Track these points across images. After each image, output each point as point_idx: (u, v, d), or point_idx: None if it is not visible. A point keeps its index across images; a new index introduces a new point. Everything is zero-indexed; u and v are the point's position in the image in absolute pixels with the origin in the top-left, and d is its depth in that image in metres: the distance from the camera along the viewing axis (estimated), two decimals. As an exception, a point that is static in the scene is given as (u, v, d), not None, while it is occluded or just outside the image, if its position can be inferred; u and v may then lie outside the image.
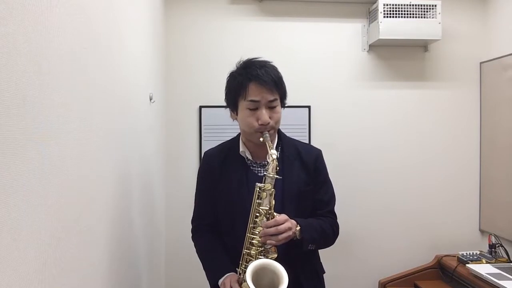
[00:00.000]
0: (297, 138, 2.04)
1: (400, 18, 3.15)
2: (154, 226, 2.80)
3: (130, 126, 2.08)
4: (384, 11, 3.14)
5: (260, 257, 1.67)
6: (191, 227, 2.08)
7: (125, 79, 1.97)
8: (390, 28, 3.15)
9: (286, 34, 3.35)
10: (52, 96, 1.10)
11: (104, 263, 1.61)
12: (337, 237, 1.94)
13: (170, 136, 3.28)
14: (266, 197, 1.68)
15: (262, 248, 1.69)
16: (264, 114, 1.73)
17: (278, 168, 1.69)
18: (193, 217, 2.07)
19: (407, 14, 3.15)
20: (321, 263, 1.99)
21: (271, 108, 1.76)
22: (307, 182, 1.86)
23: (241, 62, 1.85)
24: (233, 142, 1.95)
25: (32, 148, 1.00)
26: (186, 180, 3.27)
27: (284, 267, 1.61)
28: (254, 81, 1.74)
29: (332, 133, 3.30)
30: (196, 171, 3.22)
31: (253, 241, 1.69)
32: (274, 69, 1.80)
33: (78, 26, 1.31)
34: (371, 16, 3.31)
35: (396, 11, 3.15)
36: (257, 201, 1.70)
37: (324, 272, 1.99)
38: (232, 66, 3.27)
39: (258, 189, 1.69)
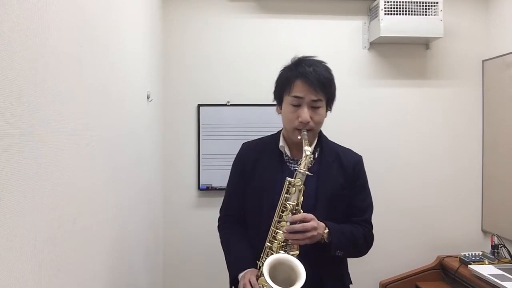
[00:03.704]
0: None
1: (402, 16, 3.12)
2: (151, 226, 2.80)
3: (127, 124, 2.07)
4: (385, 8, 3.11)
5: (280, 251, 1.66)
6: (216, 218, 2.09)
7: (123, 77, 1.97)
8: (391, 26, 3.12)
9: (286, 32, 3.32)
10: (48, 94, 1.11)
11: (101, 263, 1.61)
12: (370, 247, 1.91)
13: (168, 135, 3.25)
14: (294, 192, 1.67)
15: (285, 243, 1.67)
16: (305, 112, 1.72)
17: (310, 165, 1.68)
18: (221, 207, 2.07)
19: (409, 11, 3.13)
20: (348, 273, 1.95)
21: (314, 108, 1.75)
22: (343, 185, 1.82)
23: (296, 58, 1.84)
24: (273, 137, 1.95)
25: (28, 147, 1.00)
26: (184, 179, 3.26)
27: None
28: (300, 78, 1.74)
29: (332, 132, 3.22)
30: (194, 170, 3.26)
31: (276, 235, 1.69)
32: (325, 70, 1.78)
33: (75, 24, 1.32)
34: (372, 13, 3.28)
35: (397, 8, 3.12)
36: (285, 195, 1.69)
37: (351, 283, 1.93)
38: (230, 64, 3.27)
39: (287, 183, 1.69)
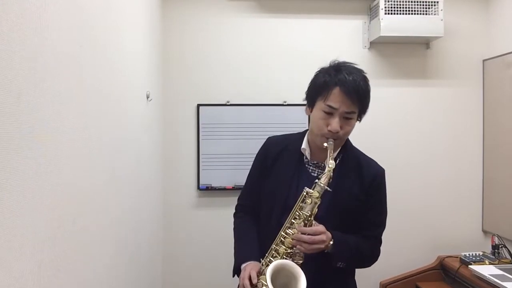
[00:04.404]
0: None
1: (402, 15, 3.11)
2: (151, 226, 2.79)
3: (127, 124, 2.07)
4: (385, 7, 3.10)
5: (286, 257, 1.67)
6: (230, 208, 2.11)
7: (122, 77, 1.96)
8: (392, 25, 3.11)
9: (285, 32, 3.31)
10: (48, 94, 1.11)
11: (100, 263, 1.61)
12: (375, 261, 1.88)
13: (168, 135, 3.24)
14: (310, 203, 1.65)
15: (291, 250, 1.67)
16: (336, 122, 1.67)
17: (331, 180, 1.65)
18: (239, 195, 2.08)
19: (409, 10, 3.12)
20: (355, 281, 1.94)
21: (346, 118, 1.70)
22: (358, 197, 1.78)
23: (335, 61, 1.78)
24: (298, 137, 1.91)
25: (27, 147, 1.00)
26: (184, 178, 3.26)
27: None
28: (339, 87, 1.67)
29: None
30: (194, 170, 3.26)
31: (284, 240, 1.68)
32: (363, 81, 1.72)
33: (74, 24, 1.32)
34: (372, 12, 3.27)
35: (397, 7, 3.11)
36: (300, 204, 1.67)
37: None
38: (230, 64, 3.26)
39: (305, 193, 1.67)
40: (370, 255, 1.85)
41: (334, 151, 1.73)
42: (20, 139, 0.95)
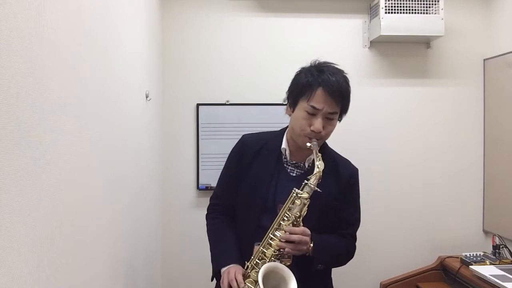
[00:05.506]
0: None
1: (402, 14, 3.11)
2: (150, 226, 2.78)
3: (126, 124, 2.06)
4: (385, 6, 3.09)
5: (274, 259, 1.66)
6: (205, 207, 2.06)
7: (121, 76, 1.96)
8: (392, 24, 3.10)
9: (285, 31, 3.31)
10: (46, 94, 1.11)
11: (99, 264, 1.60)
12: (351, 258, 1.91)
13: (167, 134, 3.23)
14: (299, 204, 1.66)
15: (279, 252, 1.66)
16: (319, 122, 1.69)
17: (320, 180, 1.66)
18: (212, 195, 2.04)
19: (409, 9, 3.11)
20: (331, 278, 1.95)
21: (328, 119, 1.71)
22: (335, 197, 1.80)
23: (316, 61, 1.78)
24: (275, 136, 1.90)
25: (26, 147, 0.99)
26: (183, 178, 3.25)
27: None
28: (322, 87, 1.68)
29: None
30: (193, 170, 3.25)
31: (271, 242, 1.67)
32: (345, 81, 1.74)
33: (73, 24, 1.30)
34: (373, 11, 3.26)
35: (398, 6, 3.11)
36: (289, 205, 1.67)
37: None
38: (229, 63, 3.25)
39: (294, 194, 1.67)
40: (346, 254, 1.88)
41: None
42: (19, 139, 0.94)
